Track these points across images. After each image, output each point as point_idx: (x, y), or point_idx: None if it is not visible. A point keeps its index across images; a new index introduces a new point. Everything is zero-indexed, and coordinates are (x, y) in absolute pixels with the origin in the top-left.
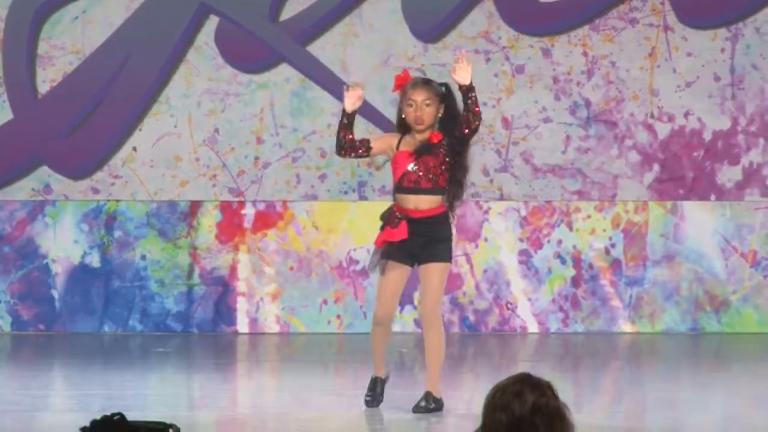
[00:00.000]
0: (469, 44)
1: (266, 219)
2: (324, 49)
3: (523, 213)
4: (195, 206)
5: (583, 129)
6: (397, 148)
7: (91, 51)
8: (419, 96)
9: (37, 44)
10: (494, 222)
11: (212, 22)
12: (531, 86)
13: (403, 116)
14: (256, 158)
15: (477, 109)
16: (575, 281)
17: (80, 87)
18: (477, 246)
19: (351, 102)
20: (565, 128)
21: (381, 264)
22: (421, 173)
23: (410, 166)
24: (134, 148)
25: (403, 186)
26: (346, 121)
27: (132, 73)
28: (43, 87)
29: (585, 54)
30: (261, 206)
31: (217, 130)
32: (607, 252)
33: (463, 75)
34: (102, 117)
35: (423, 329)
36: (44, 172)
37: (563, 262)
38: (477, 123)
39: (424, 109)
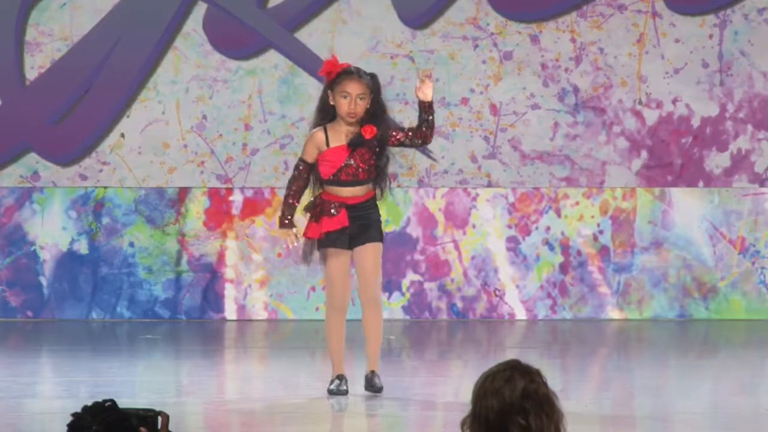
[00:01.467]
0: (457, 30)
1: (254, 206)
2: (312, 35)
3: (511, 200)
4: (183, 193)
5: (572, 115)
6: (327, 145)
7: (79, 37)
8: (355, 89)
9: (25, 30)
10: (482, 209)
11: (200, 9)
12: (519, 73)
13: (332, 103)
14: (244, 145)
15: (434, 125)
16: (563, 268)
17: (68, 74)
18: (465, 233)
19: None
20: (553, 115)
21: (321, 253)
22: (360, 167)
23: (348, 160)
24: (122, 135)
25: (341, 179)
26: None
27: (120, 60)
28: (31, 73)
29: (573, 40)
30: (249, 193)
31: (205, 117)
32: (595, 238)
33: (426, 92)
34: (90, 103)
35: (364, 309)
36: (32, 159)
37: (551, 248)
38: (431, 138)
39: (358, 103)
